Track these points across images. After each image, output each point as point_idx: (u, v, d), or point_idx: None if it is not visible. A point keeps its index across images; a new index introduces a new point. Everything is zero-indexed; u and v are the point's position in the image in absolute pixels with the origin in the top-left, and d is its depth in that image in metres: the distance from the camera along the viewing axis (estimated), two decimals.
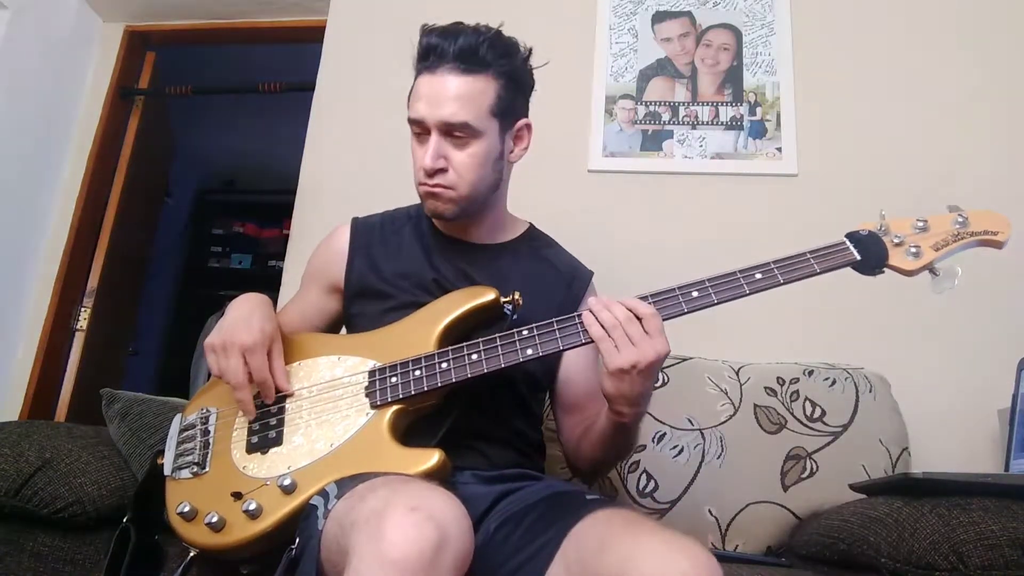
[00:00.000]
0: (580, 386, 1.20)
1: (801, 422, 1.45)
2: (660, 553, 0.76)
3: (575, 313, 1.01)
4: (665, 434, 1.46)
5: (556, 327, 1.01)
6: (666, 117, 2.04)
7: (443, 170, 1.11)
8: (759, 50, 2.05)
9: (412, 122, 1.13)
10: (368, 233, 1.27)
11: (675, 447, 1.45)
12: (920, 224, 1.01)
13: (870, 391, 1.49)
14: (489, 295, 1.08)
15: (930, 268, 1.00)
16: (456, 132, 1.10)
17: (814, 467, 1.41)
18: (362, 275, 1.22)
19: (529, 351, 1.00)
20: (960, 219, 1.01)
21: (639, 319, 0.94)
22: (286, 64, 2.83)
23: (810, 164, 1.93)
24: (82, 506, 1.25)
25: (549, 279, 1.23)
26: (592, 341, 0.96)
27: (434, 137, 1.10)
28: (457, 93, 1.09)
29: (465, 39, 1.10)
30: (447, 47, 1.10)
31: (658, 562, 0.75)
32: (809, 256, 1.01)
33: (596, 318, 0.96)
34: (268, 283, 2.85)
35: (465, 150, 1.11)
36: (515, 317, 1.07)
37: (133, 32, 2.80)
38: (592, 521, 0.87)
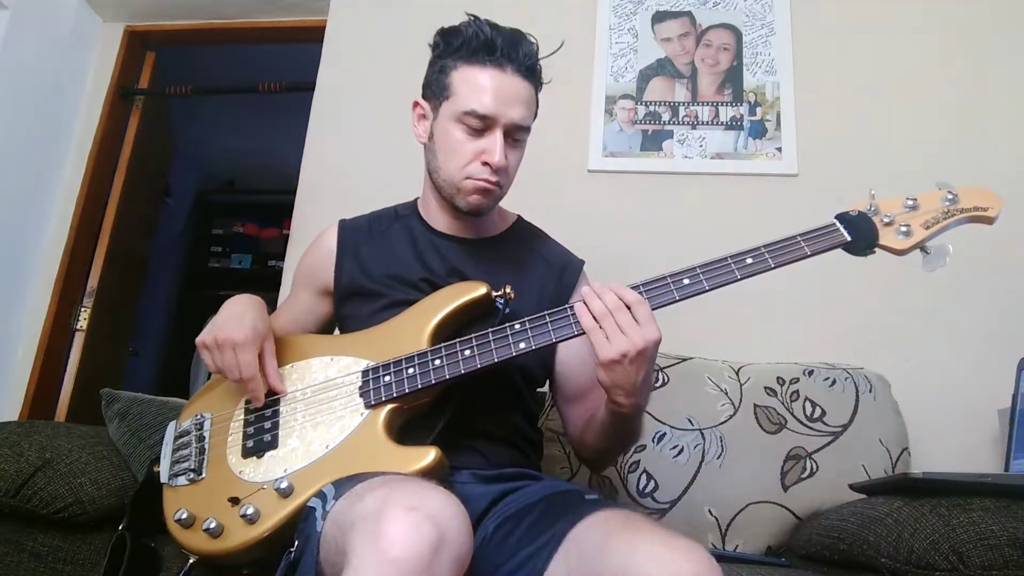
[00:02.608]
0: (581, 375, 1.19)
1: (801, 422, 1.45)
2: (661, 555, 0.76)
3: (567, 305, 1.01)
4: (665, 434, 1.46)
5: (548, 319, 1.00)
6: (666, 117, 2.04)
7: (504, 168, 1.13)
8: (759, 50, 2.05)
9: (474, 115, 1.10)
10: (355, 233, 1.27)
11: (675, 447, 1.45)
12: (910, 203, 1.01)
13: (870, 391, 1.49)
14: (480, 290, 1.08)
15: (921, 247, 0.99)
16: (516, 135, 1.13)
17: (814, 467, 1.41)
18: (352, 276, 1.21)
19: (522, 344, 0.99)
20: (950, 196, 1.00)
21: (628, 307, 0.94)
22: (286, 64, 2.83)
23: (810, 164, 1.93)
24: (82, 506, 1.25)
25: (540, 270, 1.23)
26: (584, 332, 0.96)
27: (499, 135, 1.11)
28: (525, 98, 1.13)
29: (525, 48, 1.13)
30: (515, 50, 1.12)
31: (659, 565, 0.75)
32: (799, 239, 1.00)
33: (587, 308, 0.96)
34: (268, 283, 2.86)
35: (515, 152, 1.15)
36: (507, 311, 1.07)
37: (133, 32, 2.80)
38: (592, 522, 0.87)
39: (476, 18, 1.14)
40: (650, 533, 0.80)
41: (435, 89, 1.16)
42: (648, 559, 0.75)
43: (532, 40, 1.15)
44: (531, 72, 1.14)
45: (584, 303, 0.97)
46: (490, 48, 1.11)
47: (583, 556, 0.83)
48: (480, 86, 1.10)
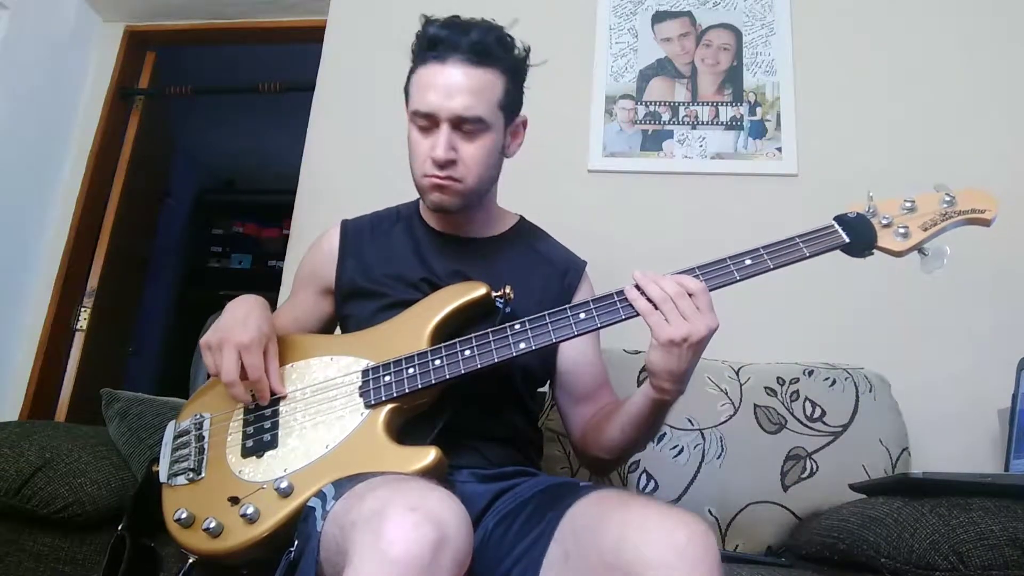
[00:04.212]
0: (588, 375, 1.20)
1: (801, 422, 1.45)
2: (655, 525, 0.76)
3: (566, 306, 1.01)
4: (665, 434, 1.46)
5: (548, 320, 1.00)
6: (666, 117, 2.04)
7: (453, 162, 1.10)
8: (759, 50, 2.05)
9: (419, 114, 1.10)
10: (358, 234, 1.26)
11: (675, 447, 1.45)
12: (908, 205, 1.01)
13: (870, 391, 1.49)
14: (480, 290, 1.08)
15: (919, 249, 1.00)
16: (466, 125, 1.10)
17: (814, 467, 1.41)
18: (353, 276, 1.21)
19: (522, 345, 1.00)
20: (947, 198, 1.01)
21: (690, 294, 0.94)
22: (286, 64, 2.83)
23: (810, 164, 1.93)
24: (82, 506, 1.25)
25: (542, 271, 1.23)
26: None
27: (445, 129, 1.09)
28: (470, 86, 1.09)
29: (477, 33, 1.10)
30: (458, 39, 1.09)
31: (654, 534, 0.75)
32: (798, 240, 1.00)
33: (643, 292, 0.96)
34: (268, 283, 2.86)
35: (474, 143, 1.11)
36: (507, 311, 1.07)
37: (133, 32, 2.80)
38: (586, 502, 0.87)
39: (425, 18, 1.14)
40: (644, 506, 0.80)
41: (406, 96, 1.17)
42: (643, 530, 0.76)
43: (491, 23, 1.13)
44: (482, 55, 1.10)
45: (639, 287, 0.96)
46: (432, 44, 1.11)
47: (579, 535, 0.83)
48: (423, 84, 1.10)
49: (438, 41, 1.10)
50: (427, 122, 1.10)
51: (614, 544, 0.76)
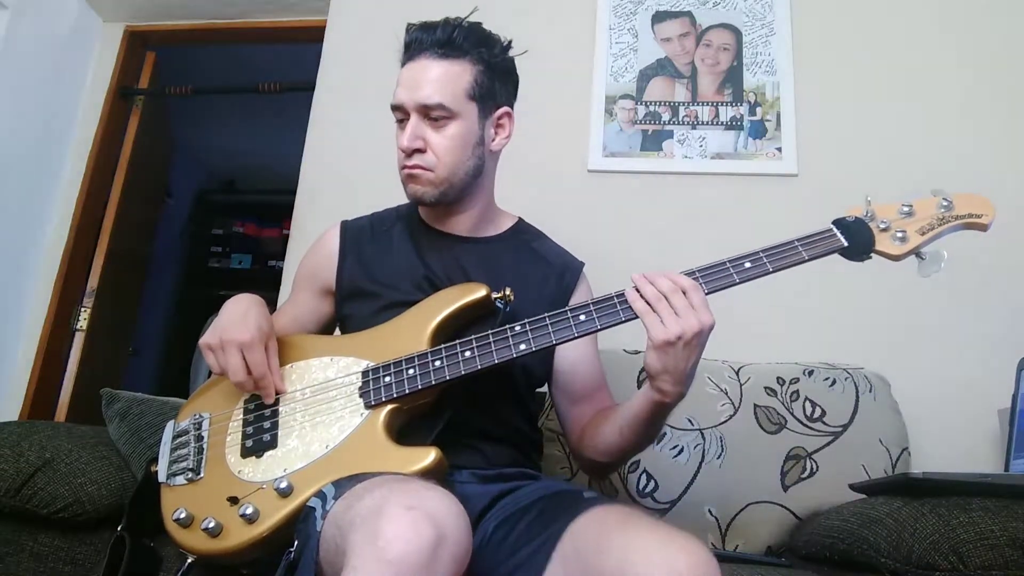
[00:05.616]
0: (587, 375, 1.20)
1: (801, 422, 1.45)
2: (657, 551, 0.76)
3: (566, 308, 1.01)
4: (665, 434, 1.46)
5: (548, 321, 1.01)
6: (666, 117, 2.04)
7: (421, 151, 1.14)
8: (759, 50, 2.05)
9: (393, 108, 1.17)
10: (358, 234, 1.27)
11: (675, 447, 1.45)
12: (906, 209, 1.02)
13: (870, 391, 1.49)
14: (480, 291, 1.08)
15: (916, 252, 1.00)
16: (433, 114, 1.13)
17: (814, 467, 1.41)
18: (353, 276, 1.22)
19: (522, 346, 1.00)
20: (945, 203, 1.01)
21: (683, 291, 0.94)
22: (286, 64, 2.83)
23: (810, 164, 1.93)
24: (82, 506, 1.25)
25: (541, 272, 1.23)
26: (632, 318, 0.97)
27: (412, 119, 1.14)
28: (434, 76, 1.13)
29: (443, 29, 1.15)
30: (426, 37, 1.15)
31: (655, 560, 0.75)
32: (797, 244, 1.00)
33: (639, 293, 0.96)
34: (268, 283, 2.86)
35: (442, 132, 1.14)
36: (507, 310, 1.07)
37: (133, 32, 2.81)
38: (589, 518, 0.87)
39: (407, 26, 1.18)
40: (647, 529, 0.80)
41: None
42: (644, 556, 0.75)
43: (459, 20, 1.16)
44: (447, 48, 1.14)
45: (636, 288, 0.96)
46: (407, 47, 1.18)
47: (580, 553, 0.83)
48: (397, 83, 1.17)
49: (411, 43, 1.17)
50: (401, 115, 1.16)
51: (615, 567, 0.76)
